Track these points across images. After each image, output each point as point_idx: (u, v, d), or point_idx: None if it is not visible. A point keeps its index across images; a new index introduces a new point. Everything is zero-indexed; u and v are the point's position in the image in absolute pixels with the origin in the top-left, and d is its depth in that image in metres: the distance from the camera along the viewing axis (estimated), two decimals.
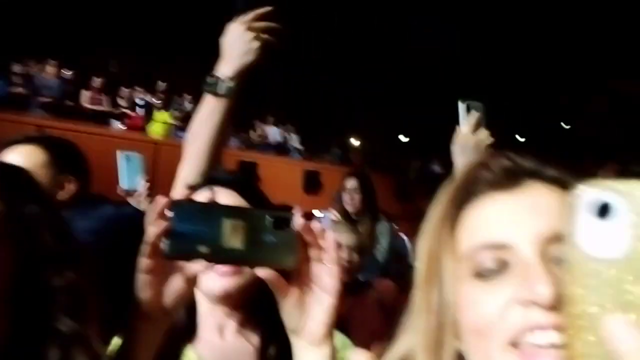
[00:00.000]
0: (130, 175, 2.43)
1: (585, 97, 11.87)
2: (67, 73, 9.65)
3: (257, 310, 0.95)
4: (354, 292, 2.08)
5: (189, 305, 0.97)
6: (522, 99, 11.48)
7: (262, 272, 0.64)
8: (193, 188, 0.98)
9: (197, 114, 1.26)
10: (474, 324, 0.52)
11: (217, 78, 1.22)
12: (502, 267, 0.51)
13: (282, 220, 0.66)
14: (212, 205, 0.69)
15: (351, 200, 2.75)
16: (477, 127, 1.42)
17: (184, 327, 0.96)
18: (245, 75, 1.23)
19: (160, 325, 0.70)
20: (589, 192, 0.28)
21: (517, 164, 0.58)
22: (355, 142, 13.96)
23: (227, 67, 1.22)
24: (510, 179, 0.56)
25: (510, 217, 0.53)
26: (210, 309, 0.97)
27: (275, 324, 0.70)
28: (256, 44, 1.21)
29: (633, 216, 0.27)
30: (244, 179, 1.08)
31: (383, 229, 2.81)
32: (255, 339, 0.97)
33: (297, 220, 0.66)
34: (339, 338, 0.99)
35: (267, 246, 0.64)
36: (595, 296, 0.27)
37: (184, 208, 0.64)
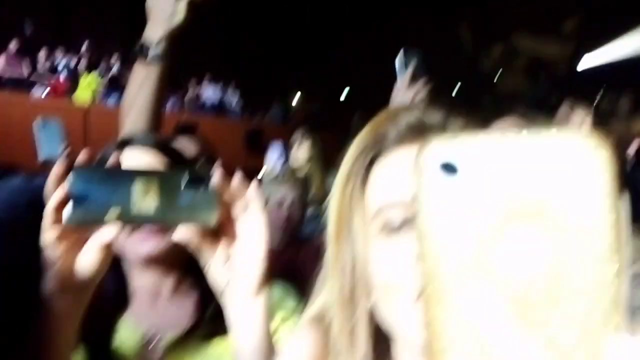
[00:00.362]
0: (48, 144, 2.24)
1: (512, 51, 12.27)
2: None
3: (192, 270, 0.93)
4: (294, 247, 2.09)
5: (119, 274, 0.94)
6: (453, 50, 11.71)
7: (178, 235, 0.62)
8: (105, 152, 0.93)
9: (130, 82, 1.19)
10: (384, 279, 0.52)
11: (145, 43, 1.15)
12: (410, 223, 0.51)
13: (199, 178, 0.63)
14: (120, 168, 0.65)
15: (299, 151, 2.70)
16: (414, 77, 1.43)
17: (116, 297, 0.93)
18: (176, 37, 1.17)
19: (80, 298, 0.66)
20: (434, 148, 0.27)
21: (424, 118, 0.57)
22: (296, 99, 13.81)
23: (155, 30, 1.16)
24: (416, 134, 0.55)
25: None
26: (141, 275, 0.94)
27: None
28: (183, 4, 1.15)
29: (476, 171, 0.26)
30: (162, 138, 1.03)
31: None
32: (192, 297, 0.95)
33: (215, 176, 0.64)
34: (279, 288, 0.99)
35: (184, 205, 0.62)
36: (450, 259, 0.26)
37: (86, 172, 0.60)
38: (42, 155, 2.27)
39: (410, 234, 0.51)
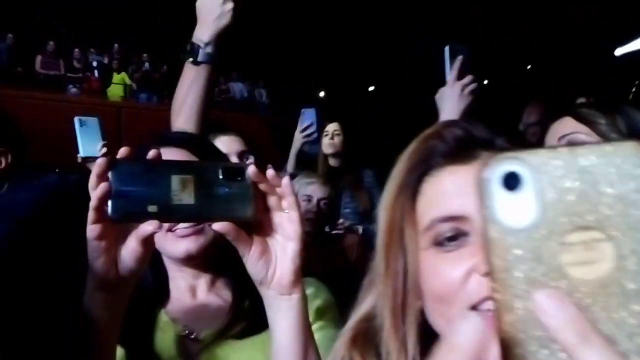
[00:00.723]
0: (87, 142, 2.29)
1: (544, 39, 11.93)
2: (11, 37, 9.12)
3: (227, 266, 0.94)
4: (321, 245, 2.08)
5: (158, 269, 0.96)
6: (484, 43, 11.50)
7: (218, 226, 0.62)
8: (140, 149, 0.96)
9: (180, 82, 1.23)
10: (436, 290, 0.55)
11: (195, 45, 1.19)
12: (461, 237, 0.54)
13: (235, 171, 0.64)
14: (157, 162, 0.65)
15: (332, 141, 2.65)
16: (462, 72, 1.39)
17: (155, 291, 0.95)
18: (221, 39, 1.21)
19: (121, 292, 0.67)
20: (497, 165, 0.28)
21: (470, 134, 0.59)
22: (322, 94, 13.81)
23: (204, 32, 1.19)
24: (464, 150, 0.58)
25: (468, 190, 0.55)
26: (178, 271, 0.96)
27: (247, 278, 0.69)
28: (229, 6, 1.18)
29: (539, 184, 0.27)
30: (195, 136, 1.04)
31: (368, 177, 2.72)
32: (228, 294, 0.96)
33: (250, 170, 0.64)
34: (313, 284, 0.99)
35: (221, 199, 0.62)
36: (519, 269, 0.27)
37: (127, 167, 0.60)
38: (81, 153, 2.32)
39: (461, 248, 0.54)
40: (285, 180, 0.67)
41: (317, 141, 2.59)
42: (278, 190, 0.67)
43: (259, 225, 0.67)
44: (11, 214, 1.22)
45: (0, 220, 1.19)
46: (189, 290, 0.96)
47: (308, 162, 2.62)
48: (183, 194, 0.61)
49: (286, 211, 0.67)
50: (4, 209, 1.25)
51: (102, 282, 0.64)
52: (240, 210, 0.63)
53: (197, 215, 0.64)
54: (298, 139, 2.50)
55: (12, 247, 1.13)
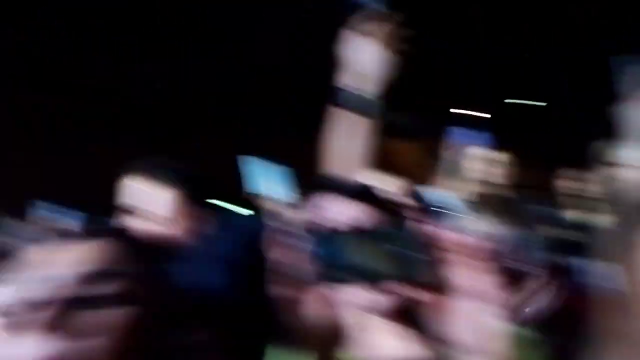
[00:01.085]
0: (260, 181, 2.40)
1: None
2: None
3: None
4: (514, 287, 1.88)
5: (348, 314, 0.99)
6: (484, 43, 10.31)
7: (402, 290, 0.63)
8: (318, 199, 0.97)
9: (336, 129, 1.19)
10: None
11: (359, 95, 1.17)
12: None
13: (419, 234, 0.67)
14: (345, 229, 0.70)
15: (500, 171, 2.46)
16: None
17: (345, 334, 0.96)
18: (388, 90, 1.19)
19: (328, 344, 0.75)
20: None
21: None
22: (486, 115, 13.31)
23: (366, 82, 1.17)
24: None
25: None
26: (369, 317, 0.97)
27: None
28: (399, 57, 1.16)
29: None
30: (367, 188, 1.05)
31: (538, 209, 2.49)
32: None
33: (430, 231, 0.66)
34: (520, 336, 0.95)
35: (403, 261, 0.64)
36: None
37: (320, 234, 0.67)
38: (251, 188, 2.43)
39: None
40: (468, 239, 0.67)
41: (473, 163, 2.43)
42: (459, 248, 0.66)
43: (447, 285, 0.66)
44: (226, 260, 1.31)
45: (219, 268, 1.29)
46: (383, 333, 0.96)
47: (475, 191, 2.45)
48: (369, 258, 0.63)
49: (473, 271, 0.65)
50: (218, 256, 1.35)
51: (299, 335, 0.72)
52: (423, 271, 0.65)
53: (385, 280, 0.65)
54: (456, 163, 2.38)
55: (234, 293, 1.20)
